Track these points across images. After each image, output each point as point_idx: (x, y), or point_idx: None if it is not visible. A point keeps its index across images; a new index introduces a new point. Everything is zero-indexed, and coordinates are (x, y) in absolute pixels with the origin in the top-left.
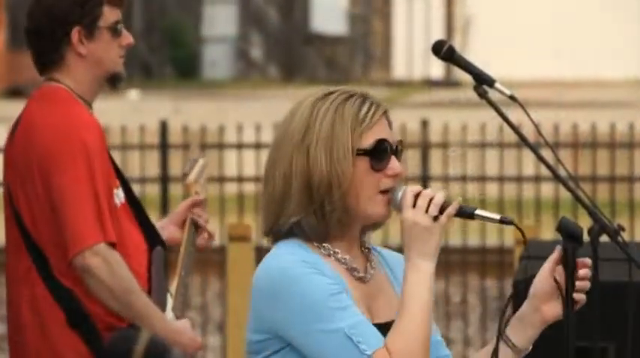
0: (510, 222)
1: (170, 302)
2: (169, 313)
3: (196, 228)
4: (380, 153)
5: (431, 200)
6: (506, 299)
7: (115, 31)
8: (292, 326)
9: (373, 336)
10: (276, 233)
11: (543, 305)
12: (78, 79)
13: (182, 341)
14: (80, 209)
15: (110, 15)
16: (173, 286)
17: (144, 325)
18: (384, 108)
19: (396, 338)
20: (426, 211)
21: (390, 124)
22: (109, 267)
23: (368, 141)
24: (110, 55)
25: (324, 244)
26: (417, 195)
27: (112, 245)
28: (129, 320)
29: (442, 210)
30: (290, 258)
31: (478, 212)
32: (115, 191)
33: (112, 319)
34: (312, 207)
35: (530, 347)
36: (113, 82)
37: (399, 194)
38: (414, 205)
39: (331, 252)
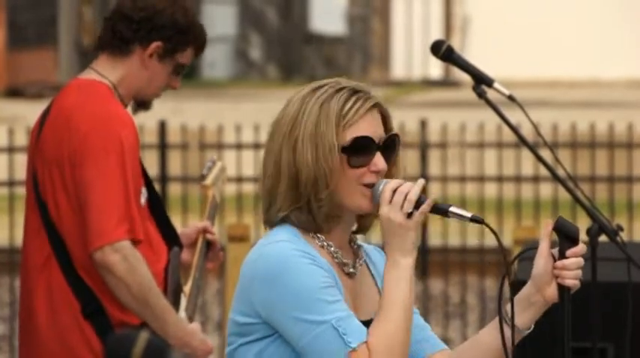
0: (481, 221)
1: (184, 302)
2: (182, 313)
3: (207, 247)
4: (359, 151)
5: (406, 196)
6: (500, 281)
7: (177, 71)
8: (281, 312)
9: (359, 330)
10: (270, 222)
11: (545, 285)
12: (126, 78)
13: (193, 343)
14: (107, 204)
15: (186, 57)
16: (187, 287)
17: (158, 325)
18: (373, 101)
19: (377, 337)
20: (402, 207)
21: (384, 118)
22: (128, 265)
23: (348, 138)
24: (158, 84)
25: (317, 235)
26: (394, 191)
27: (136, 242)
28: (143, 318)
29: (418, 205)
30: (288, 245)
31: (452, 209)
32: (142, 190)
33: (125, 315)
34: (300, 203)
35: (532, 328)
36: (141, 106)
37: (379, 189)
38: (391, 201)
39: (324, 244)
